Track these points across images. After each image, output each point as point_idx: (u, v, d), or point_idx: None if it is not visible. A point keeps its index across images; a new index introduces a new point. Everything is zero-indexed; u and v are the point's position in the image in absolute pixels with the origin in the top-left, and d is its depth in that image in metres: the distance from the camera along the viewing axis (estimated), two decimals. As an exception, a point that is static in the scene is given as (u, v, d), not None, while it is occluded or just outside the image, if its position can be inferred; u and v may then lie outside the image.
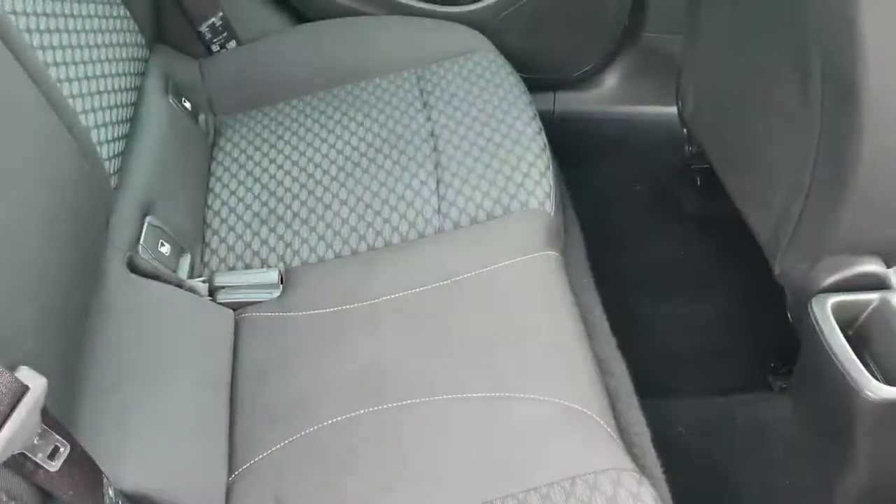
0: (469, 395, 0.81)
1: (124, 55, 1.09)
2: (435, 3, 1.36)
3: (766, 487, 1.05)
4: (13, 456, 0.59)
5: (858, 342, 0.97)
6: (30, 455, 0.60)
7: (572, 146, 1.39)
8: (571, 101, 1.51)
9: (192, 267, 1.02)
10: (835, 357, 0.93)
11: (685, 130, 1.40)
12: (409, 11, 1.34)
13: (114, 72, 1.02)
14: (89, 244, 0.87)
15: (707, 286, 1.33)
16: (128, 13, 1.13)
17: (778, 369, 1.21)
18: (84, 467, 0.67)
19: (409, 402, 0.81)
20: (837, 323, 0.97)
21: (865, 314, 0.98)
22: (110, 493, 0.70)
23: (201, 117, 1.23)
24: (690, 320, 1.27)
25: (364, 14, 1.33)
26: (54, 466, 0.62)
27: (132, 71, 1.09)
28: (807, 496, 1.03)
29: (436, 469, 0.77)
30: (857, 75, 0.82)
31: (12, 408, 0.58)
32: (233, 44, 1.29)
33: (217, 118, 1.25)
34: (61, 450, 0.63)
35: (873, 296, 0.98)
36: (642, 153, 1.51)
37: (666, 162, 1.50)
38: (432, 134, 1.11)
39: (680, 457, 0.94)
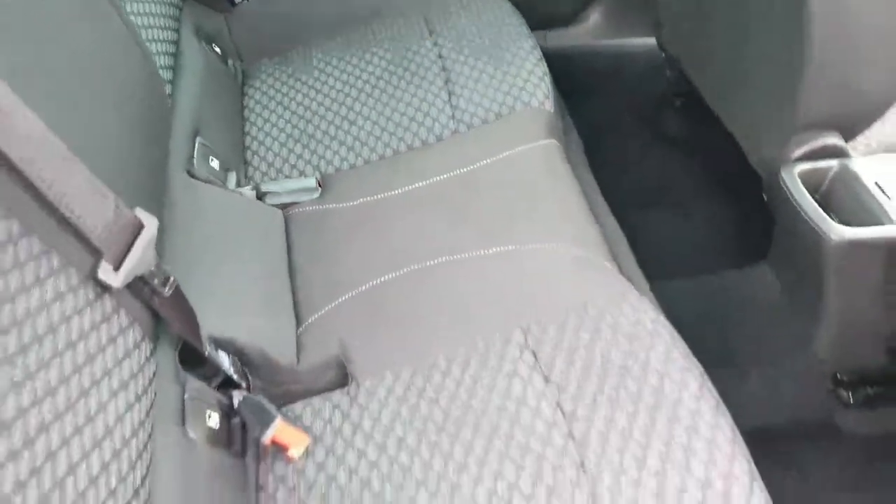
0: (491, 249, 0.96)
1: (163, 6, 1.24)
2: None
3: (756, 344, 1.20)
4: (134, 280, 0.73)
5: (823, 205, 1.12)
6: (148, 280, 0.74)
7: (563, 80, 1.54)
8: (561, 38, 1.66)
9: (237, 182, 1.17)
10: (803, 211, 1.08)
11: (664, 55, 1.55)
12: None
13: (161, 12, 1.17)
14: (158, 154, 1.01)
15: (693, 196, 1.48)
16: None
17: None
18: (186, 304, 0.81)
19: (443, 259, 0.96)
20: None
21: (828, 179, 1.13)
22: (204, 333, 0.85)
23: (230, 62, 1.38)
24: (681, 221, 1.42)
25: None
26: (167, 293, 0.76)
27: (172, 15, 1.24)
28: (789, 348, 1.17)
29: (470, 307, 0.91)
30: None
31: (134, 237, 0.73)
32: (254, -5, 1.44)
33: (244, 64, 1.39)
34: (171, 279, 0.77)
35: (833, 163, 1.13)
36: (627, 82, 1.65)
37: (649, 89, 1.65)
38: (440, 56, 1.26)
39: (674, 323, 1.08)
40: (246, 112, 1.27)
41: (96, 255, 0.70)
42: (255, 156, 1.20)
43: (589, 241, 0.97)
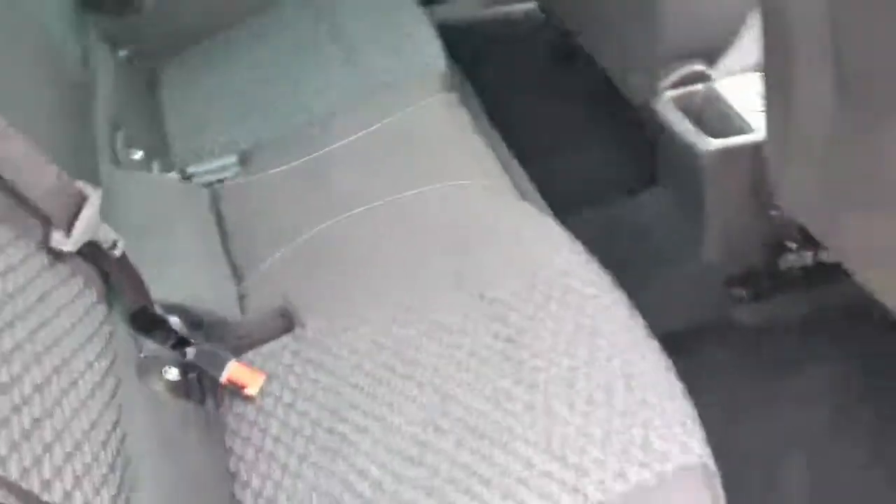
0: (408, 192, 1.06)
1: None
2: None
3: (654, 257, 1.34)
4: (84, 246, 0.80)
5: (694, 125, 1.26)
6: (98, 244, 0.82)
7: (455, 49, 1.64)
8: (449, 11, 1.76)
9: (162, 169, 1.24)
10: (677, 132, 1.22)
11: (544, 15, 1.68)
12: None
13: (71, 19, 1.24)
14: (83, 150, 1.08)
15: (587, 138, 1.61)
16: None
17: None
18: (133, 269, 0.88)
19: (365, 207, 1.06)
20: (676, 113, 1.27)
21: (696, 102, 1.28)
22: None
23: (139, 64, 1.44)
24: (578, 161, 1.55)
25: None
26: (117, 253, 0.84)
27: (81, 22, 1.30)
28: (683, 256, 1.31)
29: (397, 247, 1.01)
30: None
31: (80, 206, 0.80)
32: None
33: (153, 62, 1.46)
34: (118, 242, 0.84)
35: (699, 86, 1.27)
36: (516, 45, 1.77)
37: (537, 48, 1.77)
38: (336, 33, 1.36)
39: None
40: (163, 106, 1.34)
41: (47, 224, 0.77)
42: (177, 143, 1.27)
43: (496, 176, 1.09)
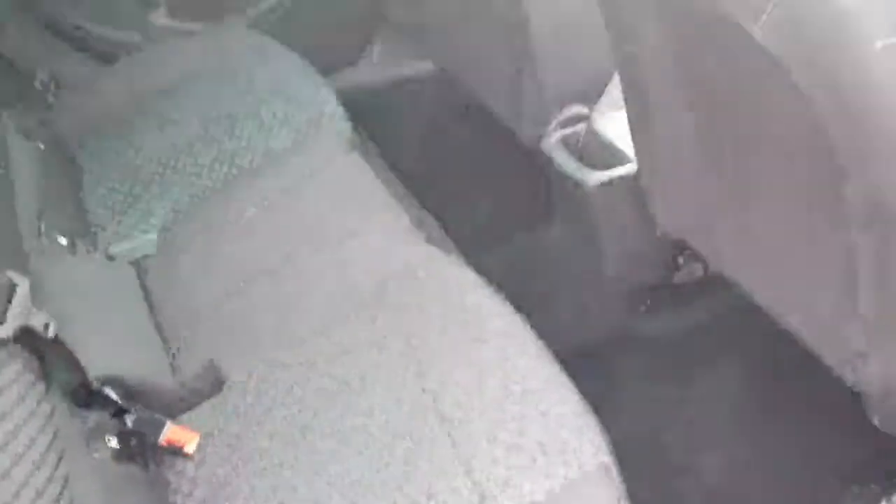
0: (321, 248, 1.15)
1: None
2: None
3: (560, 283, 1.45)
4: (20, 330, 0.87)
5: (580, 161, 1.38)
6: (31, 325, 0.88)
7: (358, 112, 1.75)
8: (351, 77, 1.87)
9: (87, 251, 1.30)
10: (564, 169, 1.34)
11: (441, 72, 1.80)
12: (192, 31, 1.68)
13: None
14: (9, 237, 1.14)
15: (488, 182, 1.72)
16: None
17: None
18: (66, 348, 0.95)
19: (283, 267, 1.15)
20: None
21: (580, 140, 1.40)
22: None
23: (56, 154, 1.50)
24: (482, 203, 1.65)
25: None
26: (51, 334, 0.90)
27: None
28: (587, 278, 1.43)
29: (307, 295, 1.10)
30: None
31: (11, 295, 0.86)
32: (64, 92, 1.58)
33: (70, 151, 1.52)
34: (51, 325, 0.91)
35: (581, 126, 1.40)
36: (417, 101, 1.88)
37: (437, 103, 1.88)
38: (244, 103, 1.45)
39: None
40: (82, 191, 1.40)
41: (-19, 315, 0.84)
42: (99, 225, 1.34)
43: (401, 225, 1.18)
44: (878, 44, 0.64)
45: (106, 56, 1.64)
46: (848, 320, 0.94)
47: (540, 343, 0.99)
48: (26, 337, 0.88)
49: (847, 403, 1.06)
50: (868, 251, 0.85)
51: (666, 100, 1.08)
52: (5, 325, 0.85)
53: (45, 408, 0.89)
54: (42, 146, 1.47)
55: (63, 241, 1.27)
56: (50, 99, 1.59)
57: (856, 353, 0.96)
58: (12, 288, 0.88)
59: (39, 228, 1.24)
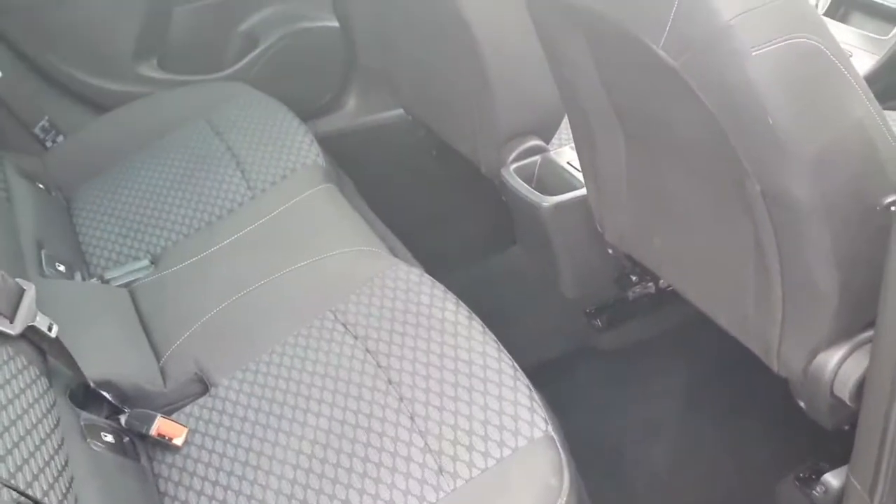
0: (298, 264, 1.26)
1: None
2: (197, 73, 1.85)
3: (521, 302, 1.56)
4: (26, 330, 0.97)
5: (537, 189, 1.51)
6: (36, 326, 0.98)
7: (336, 155, 1.88)
8: (329, 124, 2.01)
9: (83, 277, 1.41)
10: (521, 195, 1.46)
11: (410, 117, 1.94)
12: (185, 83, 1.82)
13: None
14: (13, 264, 1.25)
15: (453, 211, 1.84)
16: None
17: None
18: (67, 350, 1.04)
19: (262, 281, 1.25)
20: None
21: (536, 170, 1.53)
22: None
23: (54, 193, 1.62)
24: (448, 229, 1.78)
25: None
26: (53, 334, 1.00)
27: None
28: (546, 299, 1.54)
29: (291, 310, 1.20)
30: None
31: (20, 298, 0.97)
32: (60, 138, 1.71)
33: (66, 192, 1.64)
34: (53, 326, 1.01)
35: (537, 157, 1.53)
36: (389, 145, 2.02)
37: (407, 146, 2.02)
38: (228, 147, 1.57)
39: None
40: (79, 225, 1.51)
41: (-7, 314, 0.94)
42: (94, 254, 1.45)
43: (370, 243, 1.30)
44: (755, 52, 0.77)
45: (100, 105, 1.77)
46: (765, 311, 1.06)
47: (489, 334, 1.10)
48: (32, 335, 0.98)
49: (780, 400, 1.18)
50: (770, 242, 0.97)
51: (600, 119, 1.21)
52: (14, 324, 0.95)
53: (48, 399, 0.98)
54: (41, 186, 1.59)
55: (62, 268, 1.38)
56: (48, 144, 1.71)
57: (775, 341, 1.07)
58: (21, 292, 0.98)
59: (40, 257, 1.35)
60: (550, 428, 0.96)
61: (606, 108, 1.17)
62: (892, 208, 0.88)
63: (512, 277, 1.59)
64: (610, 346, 1.53)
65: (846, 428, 1.09)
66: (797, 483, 1.19)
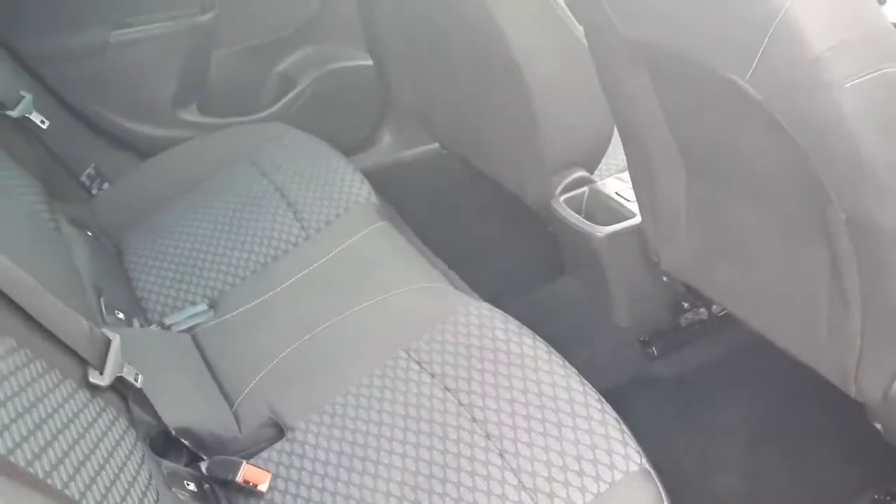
0: (365, 304, 1.27)
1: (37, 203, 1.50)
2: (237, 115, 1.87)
3: (575, 332, 1.56)
4: (115, 379, 0.97)
5: (587, 219, 1.52)
6: (125, 377, 0.98)
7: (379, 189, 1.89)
8: (366, 160, 2.02)
9: (140, 325, 1.41)
10: (574, 226, 1.47)
11: (446, 151, 1.96)
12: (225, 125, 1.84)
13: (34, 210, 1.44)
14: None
15: (504, 240, 1.85)
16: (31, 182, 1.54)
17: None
18: (148, 400, 1.04)
19: (331, 321, 1.26)
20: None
21: (584, 201, 1.54)
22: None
23: (103, 241, 1.63)
24: (500, 260, 1.78)
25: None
26: (139, 384, 1.00)
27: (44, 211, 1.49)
28: (601, 328, 1.54)
29: (363, 347, 1.20)
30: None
31: (107, 348, 0.97)
32: (106, 185, 1.72)
33: (114, 239, 1.64)
34: (139, 377, 1.01)
35: (585, 188, 1.54)
36: (428, 178, 2.04)
37: (446, 179, 2.03)
38: (276, 188, 1.58)
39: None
40: (132, 271, 1.52)
41: (84, 365, 0.94)
42: (151, 300, 1.45)
43: (433, 279, 1.31)
44: (847, 84, 0.79)
45: (144, 151, 1.79)
46: (842, 339, 1.07)
47: (570, 367, 1.11)
48: (119, 386, 0.99)
49: (848, 425, 1.18)
50: (850, 270, 0.98)
51: (660, 154, 1.23)
52: (104, 375, 0.95)
53: (139, 451, 0.98)
54: (90, 234, 1.60)
55: (121, 315, 1.38)
56: (94, 191, 1.72)
57: (853, 367, 1.08)
58: (107, 342, 0.98)
59: (100, 305, 1.35)
60: (645, 461, 0.96)
61: (668, 143, 1.18)
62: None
63: (564, 308, 1.60)
64: (665, 372, 1.54)
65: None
66: (873, 506, 1.19)
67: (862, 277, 0.97)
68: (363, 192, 1.52)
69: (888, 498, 1.17)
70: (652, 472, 0.96)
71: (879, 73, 0.79)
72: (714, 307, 1.54)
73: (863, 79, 0.78)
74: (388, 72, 1.97)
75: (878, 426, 1.13)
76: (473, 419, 1.05)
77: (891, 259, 0.91)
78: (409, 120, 2.03)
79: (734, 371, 1.50)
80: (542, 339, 1.14)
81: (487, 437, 1.02)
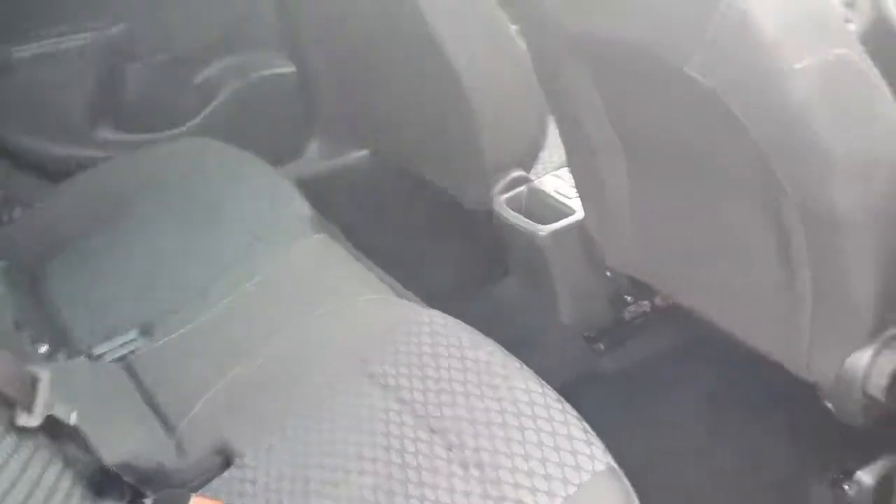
0: (313, 313, 1.22)
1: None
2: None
3: (520, 332, 1.54)
4: (46, 418, 0.90)
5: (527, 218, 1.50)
6: (56, 415, 0.91)
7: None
8: (294, 170, 1.96)
9: (68, 356, 1.32)
10: (516, 225, 1.46)
11: (377, 157, 1.92)
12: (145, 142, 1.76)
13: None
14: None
15: (445, 245, 1.82)
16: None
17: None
18: (83, 436, 0.97)
19: (273, 340, 1.20)
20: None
21: (524, 200, 1.53)
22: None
23: (18, 270, 1.52)
24: (443, 265, 1.76)
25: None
26: (72, 421, 0.93)
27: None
28: (544, 326, 1.53)
29: (310, 361, 1.15)
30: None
31: (35, 386, 0.90)
32: (17, 210, 1.62)
33: (30, 269, 1.54)
34: (72, 413, 0.94)
35: (524, 188, 1.53)
36: (358, 186, 1.99)
37: (383, 187, 1.99)
38: (205, 205, 1.51)
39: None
40: (54, 302, 1.42)
41: (10, 407, 0.87)
42: (76, 330, 1.36)
43: (378, 290, 1.27)
44: (798, 68, 0.78)
45: (58, 173, 1.69)
46: (793, 325, 1.07)
47: (527, 369, 1.08)
48: (51, 425, 0.91)
49: (796, 406, 1.19)
50: (802, 256, 0.99)
51: (603, 149, 1.22)
52: (34, 414, 0.88)
53: (77, 494, 0.91)
54: (4, 264, 1.50)
55: (44, 349, 1.30)
56: (4, 218, 1.62)
57: (804, 351, 1.09)
58: (35, 380, 0.91)
59: (21, 339, 1.27)
60: (610, 458, 0.94)
61: (610, 139, 1.17)
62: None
63: (510, 309, 1.58)
64: (612, 367, 1.54)
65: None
66: (832, 486, 1.21)
67: (813, 263, 0.98)
68: (295, 203, 1.47)
69: (844, 476, 1.19)
70: (618, 469, 0.94)
71: (827, 56, 0.79)
72: (657, 300, 1.55)
73: (814, 63, 0.78)
74: (312, 79, 1.92)
75: (830, 405, 1.14)
76: (432, 430, 1.01)
77: (843, 242, 0.91)
78: (336, 127, 1.98)
79: (680, 362, 1.51)
80: (496, 343, 1.12)
81: (448, 447, 0.98)
